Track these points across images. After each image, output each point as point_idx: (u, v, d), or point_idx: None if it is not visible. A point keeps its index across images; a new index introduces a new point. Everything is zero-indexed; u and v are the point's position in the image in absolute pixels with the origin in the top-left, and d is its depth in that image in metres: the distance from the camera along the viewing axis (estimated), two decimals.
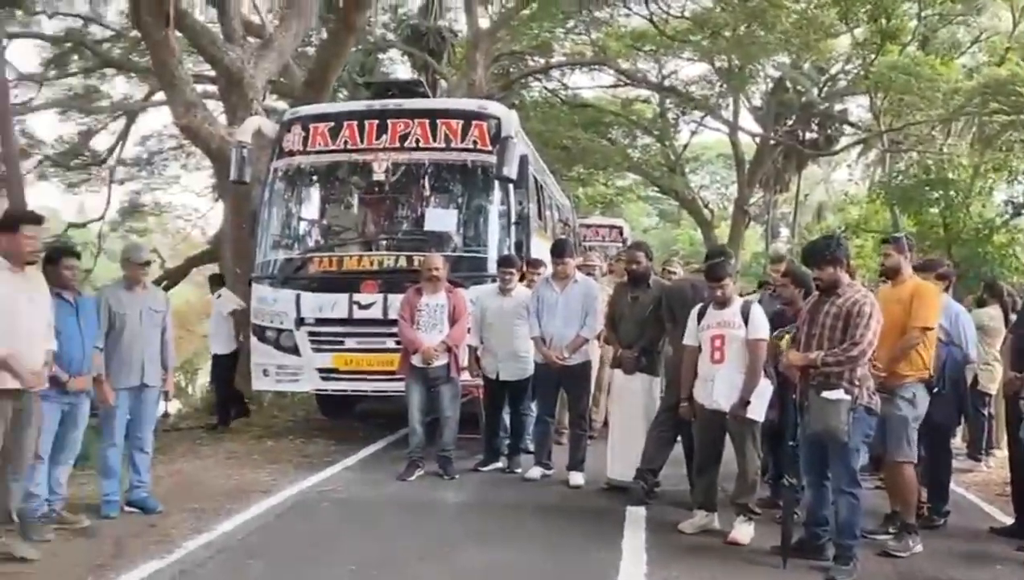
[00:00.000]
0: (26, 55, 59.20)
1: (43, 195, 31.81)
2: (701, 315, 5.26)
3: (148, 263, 5.68)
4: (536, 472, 6.52)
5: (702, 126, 27.27)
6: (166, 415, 8.90)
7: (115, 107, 20.11)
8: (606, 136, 25.61)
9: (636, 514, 5.52)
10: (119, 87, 21.10)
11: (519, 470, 6.68)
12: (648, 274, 6.28)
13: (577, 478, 6.34)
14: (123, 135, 20.21)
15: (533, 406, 6.90)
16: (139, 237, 21.79)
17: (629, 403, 6.17)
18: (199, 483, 6.39)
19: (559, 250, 6.62)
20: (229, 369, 9.21)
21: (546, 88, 24.85)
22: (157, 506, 5.52)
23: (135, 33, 13.32)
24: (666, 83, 24.35)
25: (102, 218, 20.75)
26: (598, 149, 24.04)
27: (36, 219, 4.65)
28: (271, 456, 7.40)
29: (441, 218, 7.90)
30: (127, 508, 5.48)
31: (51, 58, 19.06)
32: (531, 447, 6.89)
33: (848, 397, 4.35)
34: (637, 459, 5.86)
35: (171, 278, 18.46)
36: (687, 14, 19.86)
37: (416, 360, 6.46)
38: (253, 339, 7.78)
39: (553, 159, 19.08)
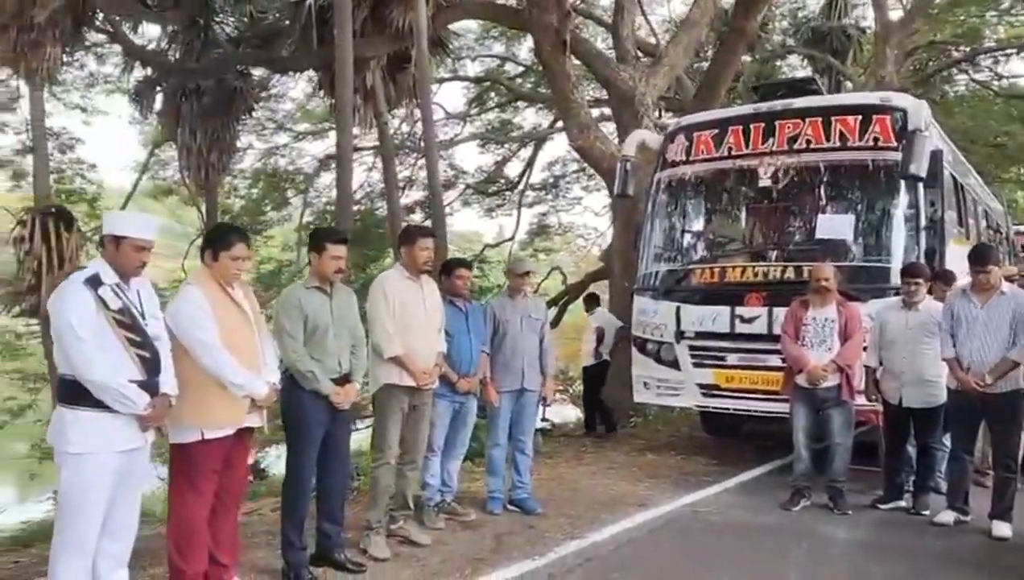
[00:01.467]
0: (453, 96, 68.16)
1: (466, 220, 36.14)
2: None
3: (528, 273, 5.92)
4: (948, 516, 5.55)
5: None
6: (545, 421, 9.41)
7: (524, 136, 21.98)
8: None
9: None
10: (528, 118, 23.01)
11: (926, 512, 5.76)
12: None
13: (1003, 529, 5.26)
14: (530, 162, 21.95)
15: (946, 439, 5.93)
16: (545, 256, 23.48)
17: None
18: (577, 490, 6.51)
19: (980, 257, 5.53)
20: (592, 380, 9.85)
21: (974, 80, 21.72)
22: (536, 507, 5.72)
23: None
24: None
25: (512, 238, 22.72)
26: None
27: (429, 233, 5.12)
28: (650, 470, 7.32)
29: (835, 225, 7.13)
30: (509, 507, 5.75)
31: (473, 97, 21.53)
32: (942, 487, 5.92)
33: None
34: None
35: (571, 293, 19.58)
36: None
37: (802, 380, 5.93)
38: (634, 351, 7.79)
39: (983, 159, 16.59)
